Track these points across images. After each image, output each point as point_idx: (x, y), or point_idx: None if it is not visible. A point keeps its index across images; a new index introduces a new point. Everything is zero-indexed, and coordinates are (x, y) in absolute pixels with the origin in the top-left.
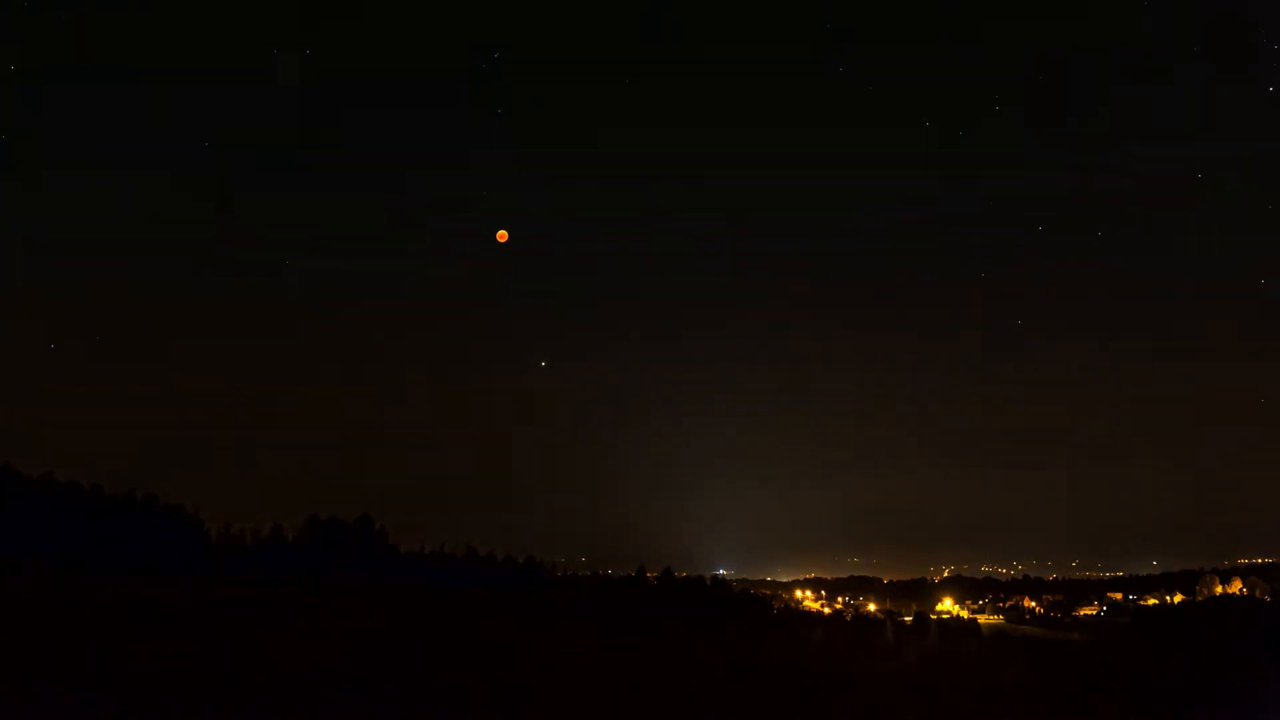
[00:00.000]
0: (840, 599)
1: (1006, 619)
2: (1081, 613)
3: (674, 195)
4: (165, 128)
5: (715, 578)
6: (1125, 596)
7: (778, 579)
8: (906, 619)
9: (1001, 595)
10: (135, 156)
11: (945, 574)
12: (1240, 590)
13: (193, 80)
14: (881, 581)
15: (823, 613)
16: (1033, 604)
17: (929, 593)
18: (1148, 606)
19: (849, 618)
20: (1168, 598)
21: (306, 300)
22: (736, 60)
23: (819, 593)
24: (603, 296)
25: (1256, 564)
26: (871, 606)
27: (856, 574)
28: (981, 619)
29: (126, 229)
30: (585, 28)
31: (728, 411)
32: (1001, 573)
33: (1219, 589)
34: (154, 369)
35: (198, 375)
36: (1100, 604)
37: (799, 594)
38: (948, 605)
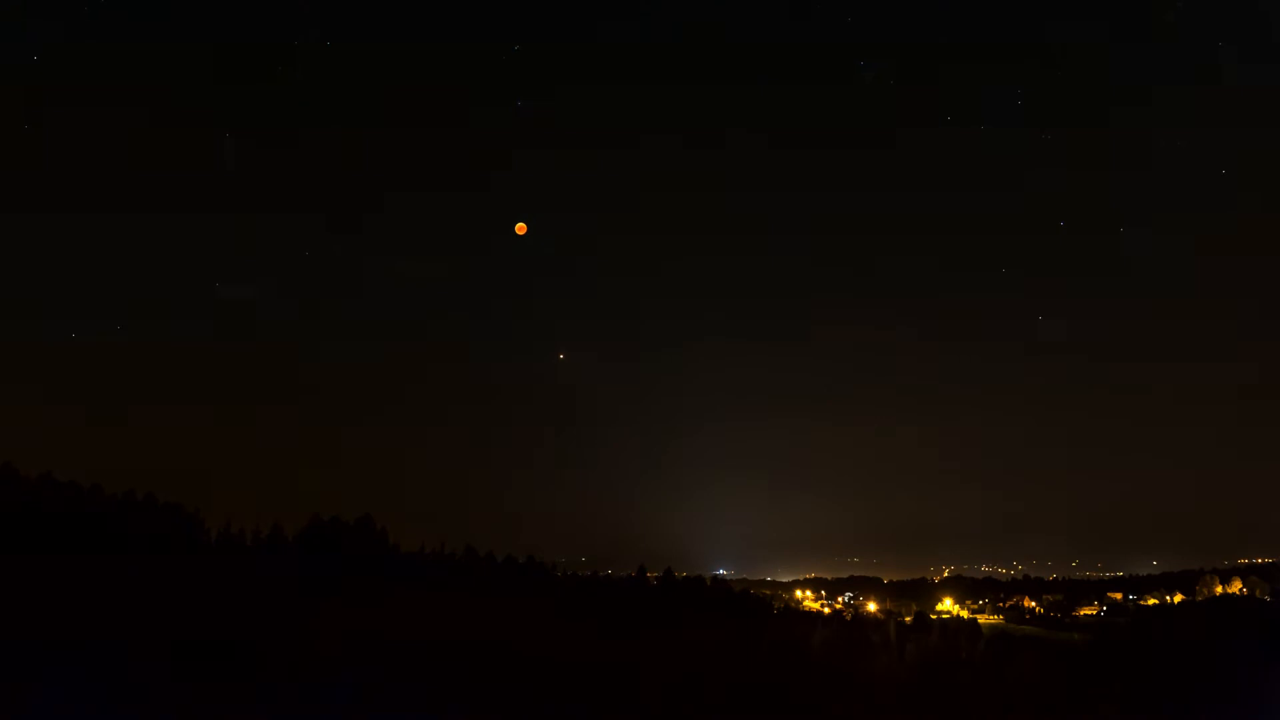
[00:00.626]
0: (840, 599)
1: (1006, 619)
2: (1081, 613)
3: (675, 194)
4: (169, 127)
5: (715, 578)
6: (1125, 596)
7: (778, 579)
8: (907, 619)
9: (1001, 595)
10: (137, 156)
11: (945, 574)
12: (1240, 590)
13: (196, 80)
14: (881, 581)
15: (823, 613)
16: (1033, 604)
17: (929, 593)
18: (1148, 606)
19: (849, 618)
20: (1168, 598)
21: (308, 299)
22: (737, 60)
23: (819, 593)
24: (603, 297)
25: (1256, 564)
26: (871, 606)
27: (856, 574)
28: (981, 619)
29: (127, 228)
30: (586, 26)
31: (728, 411)
32: (1001, 573)
33: (1219, 589)
34: (156, 369)
35: (198, 375)
36: (1100, 604)
37: (799, 594)
38: (948, 605)
